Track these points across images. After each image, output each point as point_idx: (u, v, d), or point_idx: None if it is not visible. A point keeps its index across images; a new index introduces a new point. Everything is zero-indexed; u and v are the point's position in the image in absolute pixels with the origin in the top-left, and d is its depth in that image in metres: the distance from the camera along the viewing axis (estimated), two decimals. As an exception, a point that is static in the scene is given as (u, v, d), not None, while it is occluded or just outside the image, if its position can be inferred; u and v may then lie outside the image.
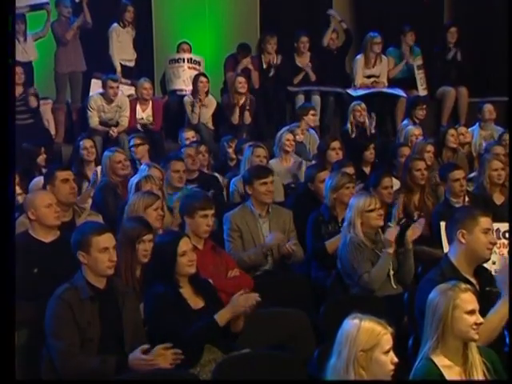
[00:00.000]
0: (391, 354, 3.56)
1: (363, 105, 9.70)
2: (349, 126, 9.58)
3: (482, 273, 4.66)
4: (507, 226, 6.05)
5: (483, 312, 3.98)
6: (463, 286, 3.88)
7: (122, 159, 7.30)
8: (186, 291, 4.66)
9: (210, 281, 4.99)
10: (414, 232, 5.71)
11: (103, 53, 10.33)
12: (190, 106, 9.73)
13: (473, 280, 4.53)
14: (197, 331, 4.46)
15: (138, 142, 8.27)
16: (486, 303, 4.33)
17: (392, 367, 3.56)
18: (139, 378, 4.18)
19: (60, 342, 4.29)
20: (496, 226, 6.16)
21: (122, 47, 10.30)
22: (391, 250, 5.58)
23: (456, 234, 4.61)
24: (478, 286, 4.49)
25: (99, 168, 7.73)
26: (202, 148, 8.26)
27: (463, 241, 4.59)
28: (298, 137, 8.92)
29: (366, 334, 3.54)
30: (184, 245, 4.67)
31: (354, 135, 9.52)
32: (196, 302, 4.65)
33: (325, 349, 3.89)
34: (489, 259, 4.70)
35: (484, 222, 4.63)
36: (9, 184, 4.15)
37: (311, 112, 9.56)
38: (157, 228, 5.56)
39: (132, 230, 5.11)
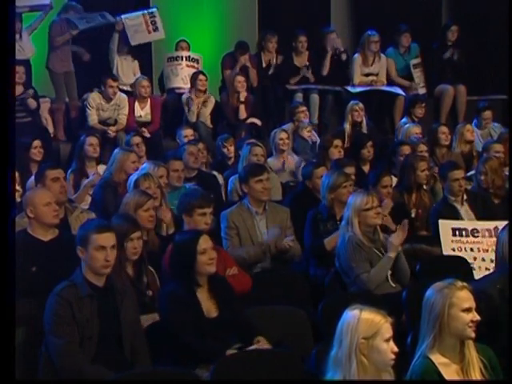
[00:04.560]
0: (391, 343, 3.58)
1: (361, 104, 9.61)
2: (347, 125, 9.47)
3: None
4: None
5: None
6: (459, 283, 3.89)
7: (137, 160, 7.20)
8: (203, 293, 4.62)
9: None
10: (399, 238, 5.64)
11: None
12: (188, 104, 9.74)
13: None
14: (208, 351, 4.43)
15: (139, 140, 8.27)
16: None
17: (392, 356, 3.57)
18: (139, 378, 4.18)
19: (59, 340, 4.29)
20: (493, 224, 6.21)
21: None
22: (393, 255, 5.57)
23: None
24: None
25: (100, 167, 7.72)
26: (201, 146, 8.23)
27: None
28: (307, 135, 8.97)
29: (367, 322, 3.56)
30: (204, 242, 4.64)
31: (351, 134, 9.47)
32: (210, 309, 4.61)
33: (323, 346, 3.90)
34: None
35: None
36: (8, 182, 4.16)
37: (300, 109, 9.55)
38: (149, 229, 5.54)
39: (119, 228, 4.97)
